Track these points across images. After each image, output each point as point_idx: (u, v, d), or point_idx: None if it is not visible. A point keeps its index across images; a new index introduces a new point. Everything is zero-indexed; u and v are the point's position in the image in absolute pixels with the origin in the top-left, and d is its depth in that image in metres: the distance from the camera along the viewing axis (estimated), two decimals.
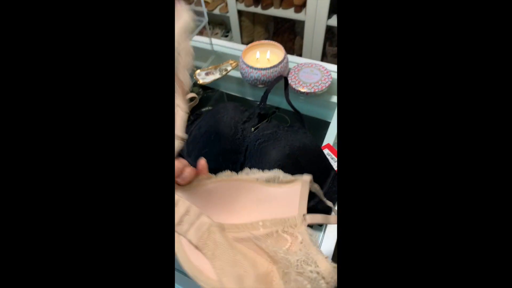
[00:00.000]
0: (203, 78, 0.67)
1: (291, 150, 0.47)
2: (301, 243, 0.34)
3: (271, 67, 0.61)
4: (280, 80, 0.62)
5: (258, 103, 0.60)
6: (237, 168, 0.53)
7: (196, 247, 0.34)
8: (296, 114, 0.61)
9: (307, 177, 0.37)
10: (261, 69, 0.61)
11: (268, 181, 0.38)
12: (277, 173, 0.39)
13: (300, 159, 0.47)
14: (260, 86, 0.66)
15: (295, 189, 0.37)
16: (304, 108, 0.62)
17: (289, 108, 0.64)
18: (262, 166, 0.47)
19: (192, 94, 0.64)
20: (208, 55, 0.79)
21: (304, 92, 0.63)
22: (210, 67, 0.69)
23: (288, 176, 0.38)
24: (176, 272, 0.44)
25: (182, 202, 0.36)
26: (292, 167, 0.46)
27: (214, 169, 0.54)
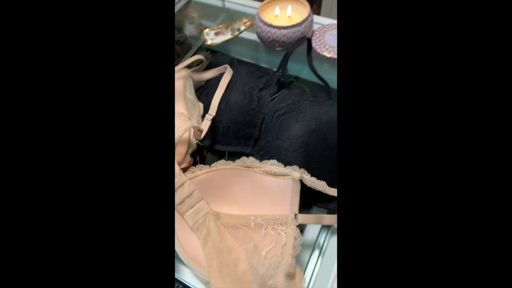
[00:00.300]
0: (212, 38, 0.58)
1: (317, 124, 0.38)
2: (283, 247, 0.34)
3: (293, 26, 0.52)
4: (303, 42, 0.52)
5: (276, 69, 0.51)
6: (250, 143, 0.45)
7: (191, 228, 0.37)
8: (322, 84, 0.52)
9: (296, 175, 0.36)
10: (281, 27, 0.52)
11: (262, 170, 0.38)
12: (273, 165, 0.38)
13: (328, 136, 0.39)
14: (278, 48, 0.56)
15: (287, 183, 0.37)
16: (329, 78, 0.53)
17: (310, 78, 0.54)
18: (282, 143, 0.39)
19: (200, 57, 0.55)
20: (219, 12, 0.69)
21: (330, 58, 0.54)
22: (220, 26, 0.60)
23: (282, 170, 0.37)
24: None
25: (188, 185, 0.38)
26: (318, 145, 0.38)
27: (224, 144, 0.46)
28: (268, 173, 0.37)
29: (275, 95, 0.45)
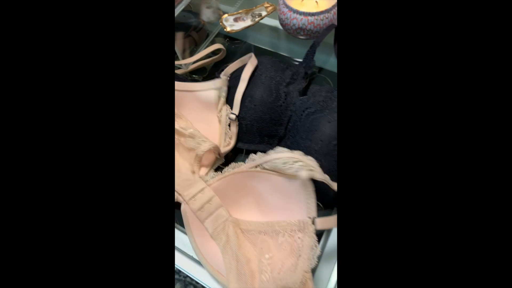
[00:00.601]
0: (231, 25, 0.54)
1: None
2: (298, 259, 0.31)
3: (321, 12, 0.47)
4: (331, 30, 0.48)
5: (301, 60, 0.47)
6: (274, 142, 0.42)
7: (211, 236, 0.36)
8: None
9: (304, 174, 0.31)
10: (308, 14, 0.47)
11: (272, 169, 0.34)
12: (279, 153, 0.34)
13: None
14: (302, 37, 0.52)
15: (297, 184, 0.33)
16: None
17: (335, 70, 0.51)
18: (312, 145, 0.36)
19: (219, 46, 0.51)
20: None
21: None
22: (240, 11, 0.55)
23: (287, 168, 0.33)
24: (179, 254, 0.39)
25: (207, 191, 0.37)
26: None
27: (246, 142, 0.43)
28: (278, 173, 0.34)
29: (304, 90, 0.41)
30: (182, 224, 0.38)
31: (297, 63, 0.55)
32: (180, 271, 0.38)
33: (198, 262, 0.37)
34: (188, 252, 0.38)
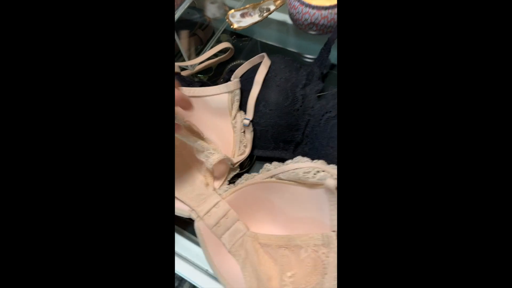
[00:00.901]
0: (238, 21, 0.51)
1: None
2: (324, 277, 0.29)
3: (335, 6, 0.44)
4: None
5: (312, 56, 0.44)
6: (290, 147, 0.40)
7: (229, 252, 0.34)
8: None
9: (331, 183, 0.28)
10: (322, 7, 0.44)
11: (290, 180, 0.32)
12: (297, 163, 0.32)
13: None
14: (313, 32, 0.49)
15: (321, 193, 0.30)
16: None
17: None
18: (334, 152, 0.33)
19: (227, 44, 0.48)
20: None
21: None
22: (247, 5, 0.52)
23: (310, 166, 0.31)
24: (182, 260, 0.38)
25: (222, 204, 0.35)
26: None
27: (260, 148, 0.41)
28: (298, 183, 0.32)
29: (322, 93, 0.38)
30: (194, 234, 0.36)
31: (308, 60, 0.53)
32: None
33: (211, 276, 0.35)
34: (198, 264, 0.36)
